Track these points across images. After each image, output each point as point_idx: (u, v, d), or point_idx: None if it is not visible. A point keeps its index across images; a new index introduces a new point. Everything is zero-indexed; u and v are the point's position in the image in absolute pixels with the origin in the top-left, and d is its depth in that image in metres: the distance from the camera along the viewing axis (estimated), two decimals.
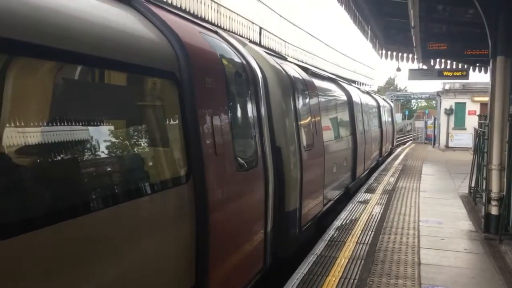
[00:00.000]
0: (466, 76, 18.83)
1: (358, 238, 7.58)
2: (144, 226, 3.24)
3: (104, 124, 3.23)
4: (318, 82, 9.67)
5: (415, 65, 20.01)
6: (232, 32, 14.20)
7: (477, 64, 17.41)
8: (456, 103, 29.27)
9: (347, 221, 8.69)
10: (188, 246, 3.74)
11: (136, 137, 3.64)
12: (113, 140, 3.31)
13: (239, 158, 4.76)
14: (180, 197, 3.67)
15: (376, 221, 8.72)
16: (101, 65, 3.06)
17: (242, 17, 16.22)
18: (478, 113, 26.25)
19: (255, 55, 6.34)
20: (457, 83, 28.60)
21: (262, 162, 5.44)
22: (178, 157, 3.88)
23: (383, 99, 25.40)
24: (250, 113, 5.40)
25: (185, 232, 3.71)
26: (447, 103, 29.47)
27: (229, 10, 15.23)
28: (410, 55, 18.99)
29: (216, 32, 5.30)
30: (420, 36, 13.10)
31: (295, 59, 16.72)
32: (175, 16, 4.37)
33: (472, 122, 24.84)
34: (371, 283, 5.61)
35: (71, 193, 2.76)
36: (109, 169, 3.20)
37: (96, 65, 3.03)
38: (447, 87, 29.46)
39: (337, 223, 8.57)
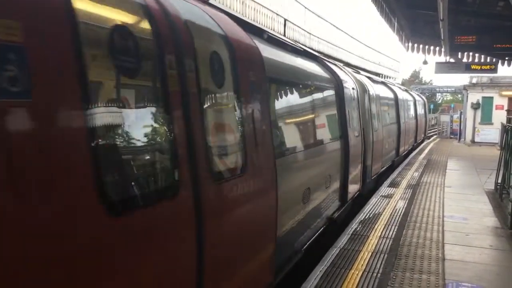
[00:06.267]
0: (494, 70, 18.49)
1: (382, 232, 7.56)
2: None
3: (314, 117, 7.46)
4: (376, 86, 13.93)
5: (442, 58, 19.71)
6: (258, 23, 14.18)
7: (506, 58, 17.04)
8: (483, 97, 28.66)
9: (370, 215, 8.67)
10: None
11: (327, 122, 8.29)
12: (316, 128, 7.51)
13: (355, 132, 9.61)
14: (340, 148, 8.46)
15: (399, 216, 8.68)
16: (317, 88, 7.76)
17: (268, 8, 16.18)
18: (506, 107, 25.80)
19: (348, 72, 10.73)
20: (485, 77, 27.99)
21: (361, 134, 10.24)
22: (339, 128, 8.61)
23: (417, 94, 29.61)
24: (357, 110, 10.19)
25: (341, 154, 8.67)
26: (474, 97, 28.89)
27: (254, 1, 15.21)
28: (437, 48, 18.70)
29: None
30: (448, 28, 12.88)
31: (319, 52, 16.64)
32: (331, 63, 9.53)
33: (499, 116, 24.34)
34: (394, 277, 5.61)
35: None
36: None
37: (315, 89, 7.63)
38: (474, 80, 28.88)
39: (360, 217, 8.55)
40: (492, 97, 28.47)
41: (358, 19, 31.07)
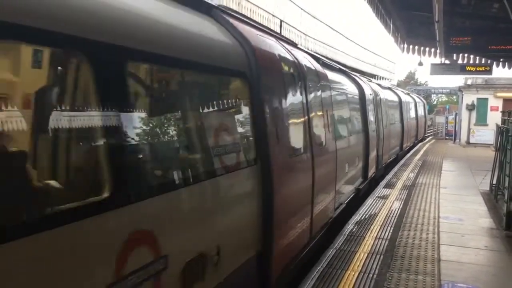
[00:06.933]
0: (489, 71, 18.55)
1: (377, 233, 7.57)
2: None
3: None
4: (384, 91, 16.70)
5: (437, 60, 19.77)
6: None
7: (501, 59, 17.10)
8: (478, 99, 28.76)
9: (366, 216, 8.68)
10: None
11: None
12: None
13: (373, 128, 12.29)
14: (363, 139, 11.48)
15: (395, 217, 8.70)
16: (351, 95, 10.99)
17: (263, 9, 16.18)
18: (500, 109, 25.87)
19: (365, 81, 13.37)
20: (480, 78, 28.08)
21: (376, 129, 12.77)
22: (363, 124, 11.55)
23: (417, 97, 32.96)
24: (373, 111, 12.72)
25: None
26: (469, 98, 28.99)
27: (250, 2, 15.21)
28: (433, 49, 18.75)
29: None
30: (443, 30, 12.92)
31: (315, 52, 16.67)
32: (353, 74, 11.73)
33: (494, 118, 24.43)
34: (390, 278, 5.62)
35: None
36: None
37: (350, 95, 10.91)
38: (469, 82, 28.97)
39: (356, 218, 8.57)
40: (487, 99, 28.57)
41: (357, 20, 31.00)
